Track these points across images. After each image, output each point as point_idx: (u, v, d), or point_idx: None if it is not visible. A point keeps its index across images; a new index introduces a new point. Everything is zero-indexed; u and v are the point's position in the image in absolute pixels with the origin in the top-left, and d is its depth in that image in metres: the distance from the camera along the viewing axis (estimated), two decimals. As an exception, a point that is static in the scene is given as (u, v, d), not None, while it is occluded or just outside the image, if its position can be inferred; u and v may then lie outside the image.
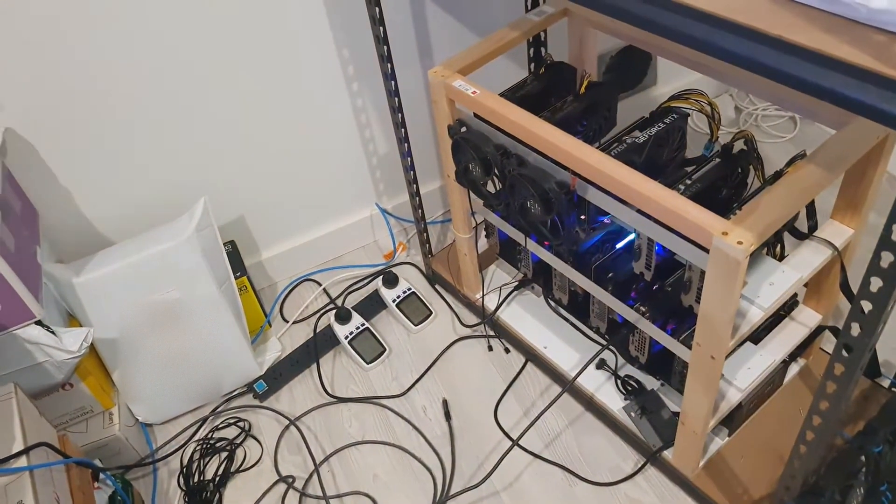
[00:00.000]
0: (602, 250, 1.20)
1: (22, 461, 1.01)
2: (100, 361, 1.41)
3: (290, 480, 1.38)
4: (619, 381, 1.35)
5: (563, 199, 1.06)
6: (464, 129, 1.22)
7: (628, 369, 1.37)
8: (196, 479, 1.42)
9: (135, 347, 1.41)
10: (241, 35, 1.37)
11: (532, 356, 1.49)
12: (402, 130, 1.42)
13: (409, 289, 1.66)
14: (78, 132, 1.35)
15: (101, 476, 1.24)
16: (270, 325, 1.68)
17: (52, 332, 1.23)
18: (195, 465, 1.44)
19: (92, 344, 1.32)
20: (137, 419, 1.49)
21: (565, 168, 1.06)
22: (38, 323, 1.20)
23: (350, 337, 1.58)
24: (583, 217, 1.11)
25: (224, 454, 1.45)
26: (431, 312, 1.63)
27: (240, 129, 1.50)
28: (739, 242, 0.83)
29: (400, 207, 1.81)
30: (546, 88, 1.29)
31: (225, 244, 1.49)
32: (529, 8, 1.39)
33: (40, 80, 1.26)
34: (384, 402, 1.49)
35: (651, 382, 1.34)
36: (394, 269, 1.73)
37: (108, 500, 1.24)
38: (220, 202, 1.57)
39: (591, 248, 1.20)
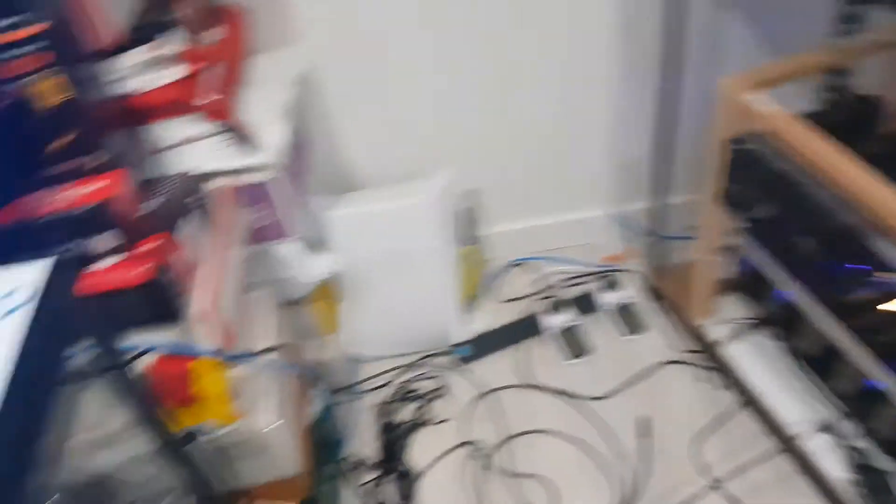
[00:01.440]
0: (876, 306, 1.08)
1: (268, 357, 1.13)
2: (333, 290, 1.53)
3: (475, 447, 1.42)
4: (846, 451, 1.22)
5: (852, 244, 0.97)
6: (744, 146, 1.15)
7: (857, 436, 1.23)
8: (389, 419, 1.50)
9: (365, 285, 1.51)
10: (521, 16, 1.41)
11: (750, 400, 1.40)
12: (667, 136, 1.37)
13: (629, 297, 1.62)
14: (362, 79, 1.46)
15: (317, 391, 1.35)
16: (485, 298, 1.72)
17: (304, 254, 1.36)
18: (391, 406, 1.52)
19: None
20: (351, 350, 1.60)
21: (861, 211, 0.96)
22: (295, 243, 1.33)
23: (559, 329, 1.58)
24: (867, 267, 1.01)
25: (419, 404, 1.52)
26: (646, 327, 1.59)
27: (500, 106, 1.55)
28: None
29: (637, 213, 1.76)
30: (847, 120, 1.19)
31: (462, 211, 1.55)
32: (844, 32, 1.28)
33: (339, 21, 1.37)
34: (580, 401, 1.48)
35: (887, 463, 1.19)
36: (616, 274, 1.70)
37: (316, 415, 1.35)
38: (466, 170, 1.62)
39: (866, 302, 1.08)
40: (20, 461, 0.56)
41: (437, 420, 1.49)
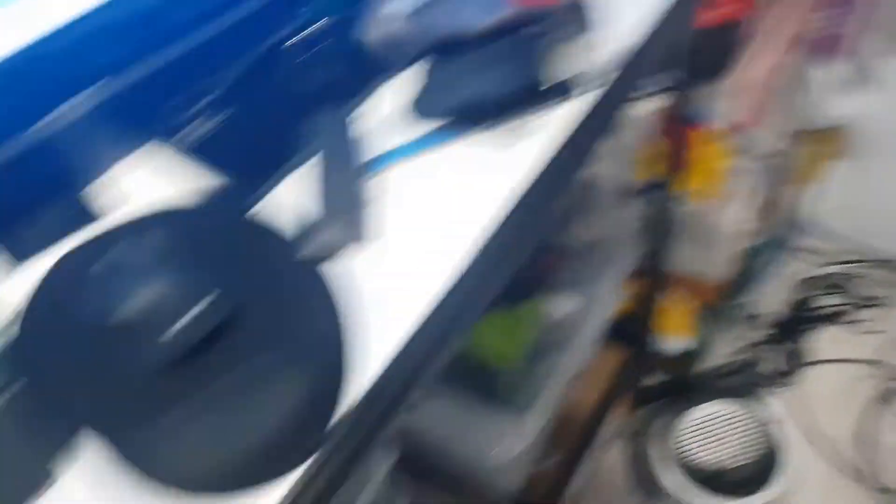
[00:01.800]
0: None
1: (769, 160, 1.06)
2: (843, 140, 1.33)
3: (888, 373, 1.25)
4: None
5: None
6: None
7: None
8: (807, 297, 1.38)
9: (886, 153, 1.30)
10: None
11: None
12: None
13: None
14: None
15: (765, 226, 1.27)
16: None
17: (842, 85, 1.20)
18: (817, 286, 1.39)
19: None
20: (819, 211, 1.43)
21: None
22: (843, 68, 1.17)
23: None
24: None
25: (847, 300, 1.36)
26: None
27: None
28: None
29: None
30: None
31: None
32: None
33: None
34: None
35: None
36: None
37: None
38: None
39: None
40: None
41: (861, 328, 1.33)
